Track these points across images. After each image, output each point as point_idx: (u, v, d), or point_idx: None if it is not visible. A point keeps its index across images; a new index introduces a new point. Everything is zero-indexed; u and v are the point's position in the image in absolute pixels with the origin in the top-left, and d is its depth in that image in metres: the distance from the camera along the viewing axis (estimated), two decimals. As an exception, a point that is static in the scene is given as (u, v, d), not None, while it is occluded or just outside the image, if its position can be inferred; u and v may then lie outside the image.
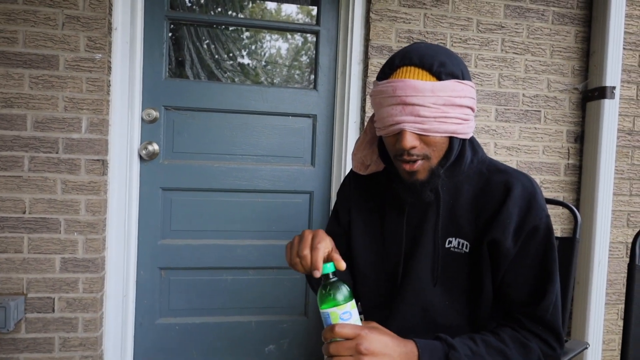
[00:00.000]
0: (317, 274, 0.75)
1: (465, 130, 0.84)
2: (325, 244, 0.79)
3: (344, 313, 0.73)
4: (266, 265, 1.91)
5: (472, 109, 0.85)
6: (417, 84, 0.79)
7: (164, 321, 1.86)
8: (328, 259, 0.79)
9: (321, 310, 0.75)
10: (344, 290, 0.75)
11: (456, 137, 0.84)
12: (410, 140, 0.80)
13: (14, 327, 1.53)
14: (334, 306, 0.73)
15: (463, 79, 0.82)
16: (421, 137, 0.82)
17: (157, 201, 1.82)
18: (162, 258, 1.83)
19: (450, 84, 0.80)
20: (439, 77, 0.80)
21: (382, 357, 0.72)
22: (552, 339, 0.85)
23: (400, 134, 0.82)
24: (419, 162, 0.84)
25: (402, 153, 0.83)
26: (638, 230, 1.10)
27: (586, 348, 1.25)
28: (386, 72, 0.85)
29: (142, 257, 1.82)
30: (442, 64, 0.80)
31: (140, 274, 1.82)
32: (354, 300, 0.76)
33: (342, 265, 0.78)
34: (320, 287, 0.76)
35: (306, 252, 0.78)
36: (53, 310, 1.59)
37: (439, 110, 0.79)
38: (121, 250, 1.74)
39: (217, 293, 1.89)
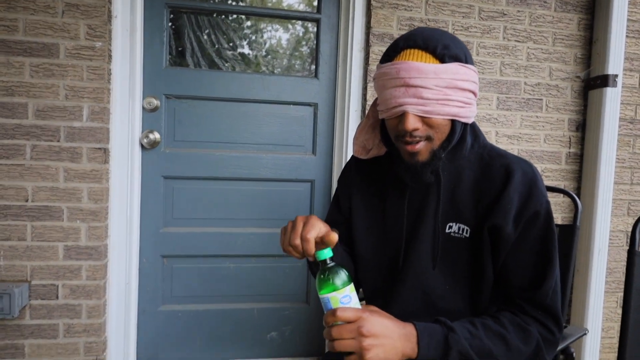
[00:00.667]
0: (311, 259, 0.77)
1: (467, 114, 0.84)
2: (318, 230, 0.79)
3: (344, 297, 0.74)
4: (268, 253, 1.92)
5: (474, 93, 0.85)
6: (420, 66, 0.79)
7: (166, 308, 1.88)
8: (323, 243, 0.79)
9: (321, 296, 0.75)
10: (342, 275, 0.75)
11: (458, 121, 0.84)
12: (412, 122, 0.81)
13: (19, 314, 1.55)
14: (334, 290, 0.74)
15: (466, 62, 0.83)
16: (423, 119, 0.82)
17: (159, 189, 1.82)
18: (164, 246, 1.85)
19: (453, 66, 0.80)
20: (442, 60, 0.80)
21: (383, 338, 0.73)
22: (551, 324, 0.86)
23: (402, 115, 0.82)
24: (421, 143, 0.84)
25: (405, 134, 0.83)
26: (638, 217, 1.11)
27: (585, 334, 1.26)
28: (390, 55, 0.85)
29: (144, 244, 1.83)
30: (445, 47, 0.80)
31: (143, 262, 1.83)
32: (352, 284, 0.76)
33: (334, 237, 0.77)
34: (319, 272, 0.77)
35: (297, 242, 0.78)
36: (57, 297, 1.61)
37: (442, 93, 0.80)
38: (123, 238, 1.75)
39: (219, 280, 1.90)
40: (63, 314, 1.62)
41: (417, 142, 0.84)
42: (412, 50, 0.82)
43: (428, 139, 0.84)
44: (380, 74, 0.85)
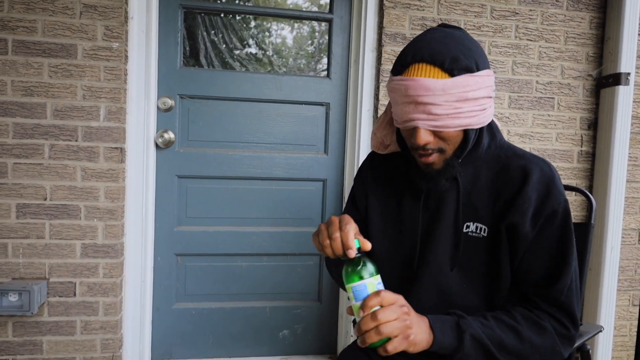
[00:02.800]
0: (352, 253, 0.77)
1: (481, 120, 0.84)
2: (353, 226, 0.81)
3: (379, 283, 0.77)
4: (280, 251, 1.94)
5: (489, 97, 0.85)
6: (428, 84, 0.78)
7: (180, 306, 1.90)
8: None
9: (354, 284, 0.77)
10: (372, 263, 0.79)
11: (471, 129, 0.85)
12: (424, 137, 0.82)
13: (38, 311, 1.57)
14: (371, 276, 0.77)
15: (478, 70, 0.81)
16: (435, 133, 0.83)
17: (173, 188, 1.84)
18: (178, 244, 1.87)
19: (463, 79, 0.79)
20: (452, 74, 0.79)
21: (415, 318, 0.78)
22: (566, 320, 0.86)
23: (414, 130, 0.83)
24: (434, 154, 0.86)
25: (417, 148, 0.85)
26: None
27: (600, 331, 1.27)
28: (398, 69, 0.84)
29: (159, 243, 1.85)
30: (454, 60, 0.79)
31: (158, 260, 1.86)
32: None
33: (368, 245, 0.80)
34: (346, 265, 0.79)
35: (337, 234, 0.79)
36: (74, 295, 1.64)
37: (452, 107, 0.80)
38: (139, 237, 1.77)
39: (232, 279, 1.92)
40: (80, 311, 1.65)
41: (430, 155, 0.85)
42: (420, 65, 0.80)
43: (440, 151, 0.85)
44: (391, 88, 0.85)
